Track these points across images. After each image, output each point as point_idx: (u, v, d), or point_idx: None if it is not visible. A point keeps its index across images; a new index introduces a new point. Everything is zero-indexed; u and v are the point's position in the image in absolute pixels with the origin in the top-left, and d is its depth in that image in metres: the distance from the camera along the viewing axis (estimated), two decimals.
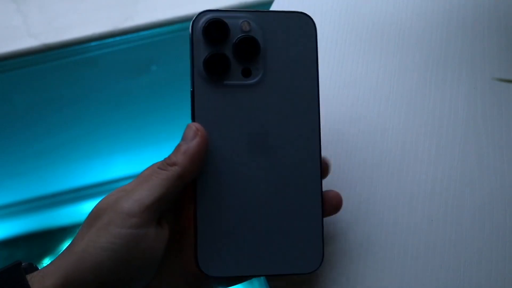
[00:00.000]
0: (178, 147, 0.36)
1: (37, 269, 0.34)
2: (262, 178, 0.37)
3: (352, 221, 0.43)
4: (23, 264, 0.34)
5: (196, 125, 0.36)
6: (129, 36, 0.65)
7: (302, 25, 0.37)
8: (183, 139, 0.36)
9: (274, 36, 0.37)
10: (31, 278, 0.33)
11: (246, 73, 0.37)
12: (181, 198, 0.37)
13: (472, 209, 0.43)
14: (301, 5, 0.50)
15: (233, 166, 0.36)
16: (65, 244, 0.35)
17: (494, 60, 0.47)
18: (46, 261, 1.05)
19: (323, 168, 0.38)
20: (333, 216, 0.41)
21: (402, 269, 0.42)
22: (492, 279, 0.41)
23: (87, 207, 0.36)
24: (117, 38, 0.65)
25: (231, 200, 0.36)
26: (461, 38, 0.48)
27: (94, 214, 0.34)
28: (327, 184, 0.43)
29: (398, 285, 0.41)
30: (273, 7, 0.50)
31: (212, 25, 0.36)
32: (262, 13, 0.37)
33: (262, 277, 0.42)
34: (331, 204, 0.39)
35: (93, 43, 0.64)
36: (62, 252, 0.34)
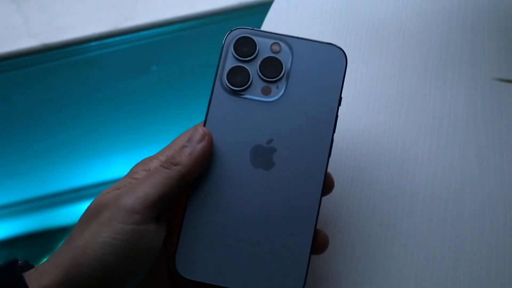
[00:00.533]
0: (182, 148, 0.36)
1: (33, 267, 0.34)
2: (258, 193, 0.37)
3: (352, 221, 0.43)
4: (19, 262, 0.34)
5: (203, 129, 0.37)
6: (129, 36, 0.65)
7: (333, 57, 0.38)
8: (188, 140, 0.37)
9: (302, 62, 0.38)
10: (28, 276, 0.33)
11: (266, 91, 0.38)
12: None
13: (472, 209, 0.43)
14: (301, 5, 0.50)
15: (232, 175, 0.37)
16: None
17: (494, 60, 0.47)
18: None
19: (328, 184, 0.38)
20: (334, 216, 0.41)
21: (402, 268, 0.42)
22: (492, 279, 0.41)
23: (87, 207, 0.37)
24: (117, 38, 0.65)
25: (222, 207, 0.37)
26: (461, 38, 0.48)
27: (93, 210, 0.35)
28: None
29: (398, 285, 0.41)
30: (273, 7, 0.50)
31: (242, 41, 0.38)
32: (295, 38, 0.38)
33: None
34: (317, 244, 0.38)
35: (93, 43, 0.64)
36: (59, 249, 0.34)
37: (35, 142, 0.85)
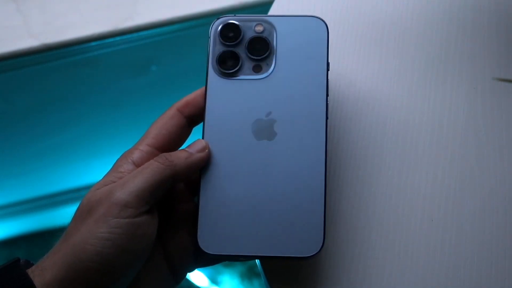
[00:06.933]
0: (181, 151, 0.38)
1: (33, 265, 0.35)
2: (266, 162, 0.39)
3: (353, 221, 0.43)
4: (20, 261, 0.35)
5: (205, 142, 0.39)
6: (129, 36, 0.65)
7: (314, 28, 0.41)
8: (189, 147, 0.39)
9: (286, 37, 0.41)
10: (31, 273, 0.33)
11: (257, 69, 0.40)
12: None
13: (472, 209, 0.43)
14: (301, 5, 0.50)
15: (239, 151, 0.39)
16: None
17: (494, 60, 0.47)
18: None
19: None
20: (334, 217, 0.41)
21: (402, 269, 0.42)
22: (492, 279, 0.41)
23: None
24: (117, 38, 0.65)
25: (234, 181, 0.38)
26: (461, 38, 0.48)
27: (86, 207, 0.36)
28: (327, 183, 0.43)
29: (398, 285, 0.41)
30: (273, 7, 0.50)
31: (227, 27, 0.41)
32: (275, 17, 0.41)
33: (262, 278, 0.42)
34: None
35: (93, 43, 0.64)
36: (56, 246, 0.35)
37: (35, 142, 0.85)
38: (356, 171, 0.44)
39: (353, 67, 0.47)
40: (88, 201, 0.36)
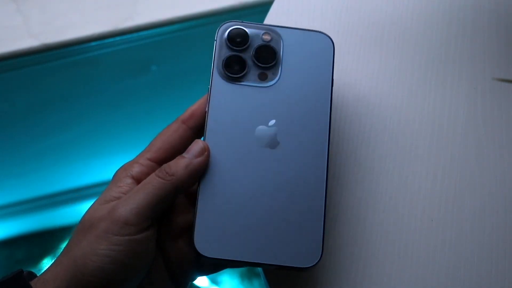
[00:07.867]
0: (180, 158, 0.37)
1: (36, 277, 0.36)
2: (267, 170, 0.38)
3: (353, 221, 0.43)
4: (24, 273, 0.36)
5: (204, 143, 0.38)
6: (129, 36, 0.65)
7: (320, 43, 0.41)
8: (187, 151, 0.38)
9: (292, 49, 0.41)
10: (34, 284, 0.34)
11: (262, 77, 0.40)
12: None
13: (472, 209, 0.43)
14: (301, 5, 0.50)
15: (240, 156, 0.38)
16: (65, 244, 0.36)
17: (494, 60, 0.47)
18: (46, 261, 1.05)
19: None
20: (334, 216, 0.41)
21: (402, 269, 0.42)
22: (492, 279, 0.41)
23: (87, 207, 0.37)
24: (117, 38, 0.65)
25: (234, 187, 0.38)
26: (461, 38, 0.48)
27: (88, 222, 0.36)
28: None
29: (398, 285, 0.41)
30: (273, 7, 0.50)
31: (235, 32, 0.41)
32: (283, 28, 0.41)
33: (262, 278, 0.42)
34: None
35: (93, 43, 0.64)
36: (58, 259, 0.35)
37: (35, 142, 0.85)
38: (356, 171, 0.44)
39: (353, 67, 0.47)
40: (90, 216, 0.36)
